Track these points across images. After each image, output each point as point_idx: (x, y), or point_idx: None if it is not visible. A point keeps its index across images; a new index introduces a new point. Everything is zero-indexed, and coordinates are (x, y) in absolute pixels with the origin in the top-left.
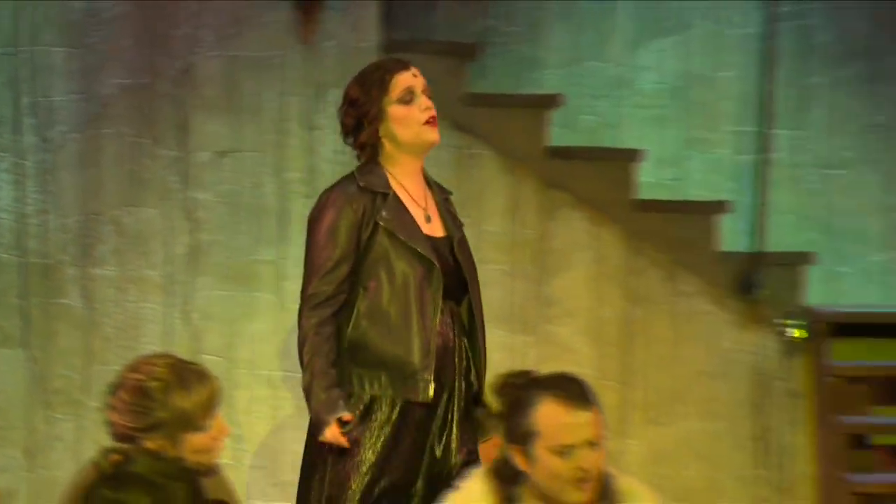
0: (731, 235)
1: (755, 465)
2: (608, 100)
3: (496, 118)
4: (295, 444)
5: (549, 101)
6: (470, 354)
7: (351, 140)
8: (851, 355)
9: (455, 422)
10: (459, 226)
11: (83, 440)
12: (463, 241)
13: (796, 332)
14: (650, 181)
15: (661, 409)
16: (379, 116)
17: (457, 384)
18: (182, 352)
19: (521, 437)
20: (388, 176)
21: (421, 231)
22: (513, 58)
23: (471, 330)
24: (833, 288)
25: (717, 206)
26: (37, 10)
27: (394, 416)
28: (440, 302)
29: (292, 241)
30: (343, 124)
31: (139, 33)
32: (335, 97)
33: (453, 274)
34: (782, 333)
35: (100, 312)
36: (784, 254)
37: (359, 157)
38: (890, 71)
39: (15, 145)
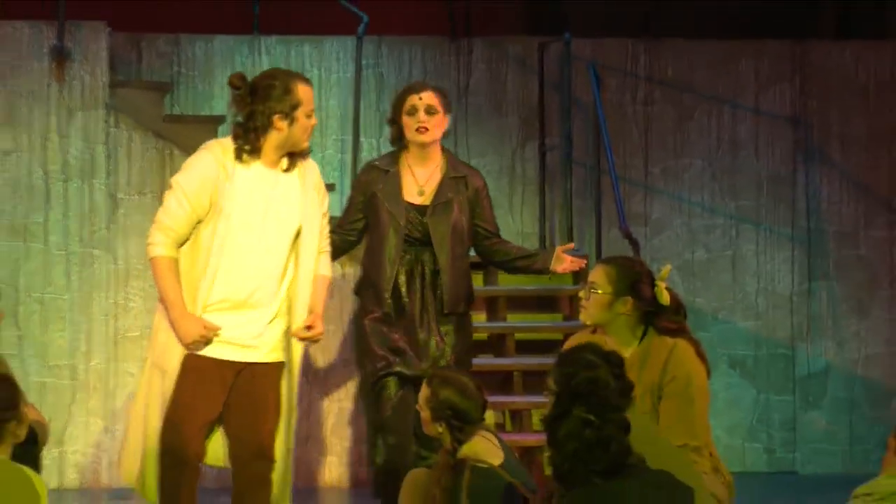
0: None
1: None
2: None
3: (184, 131)
4: (59, 340)
5: (217, 120)
6: (435, 287)
7: (390, 131)
8: None
9: (432, 329)
10: (450, 199)
11: None
12: (438, 209)
13: None
14: None
15: None
16: (398, 121)
17: (425, 305)
18: None
19: (287, 108)
20: (402, 159)
21: (402, 199)
22: (193, 92)
23: (437, 271)
24: None
25: (328, 187)
26: None
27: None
28: (401, 247)
29: (54, 209)
30: (388, 121)
31: None
32: (79, 118)
33: (426, 232)
34: None
35: None
36: None
37: (393, 143)
38: None
39: None
